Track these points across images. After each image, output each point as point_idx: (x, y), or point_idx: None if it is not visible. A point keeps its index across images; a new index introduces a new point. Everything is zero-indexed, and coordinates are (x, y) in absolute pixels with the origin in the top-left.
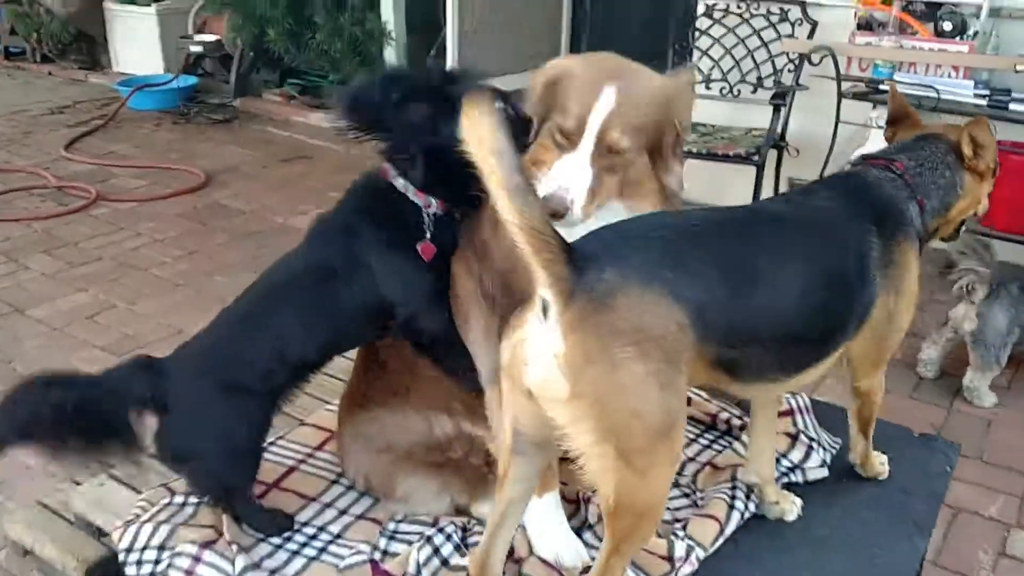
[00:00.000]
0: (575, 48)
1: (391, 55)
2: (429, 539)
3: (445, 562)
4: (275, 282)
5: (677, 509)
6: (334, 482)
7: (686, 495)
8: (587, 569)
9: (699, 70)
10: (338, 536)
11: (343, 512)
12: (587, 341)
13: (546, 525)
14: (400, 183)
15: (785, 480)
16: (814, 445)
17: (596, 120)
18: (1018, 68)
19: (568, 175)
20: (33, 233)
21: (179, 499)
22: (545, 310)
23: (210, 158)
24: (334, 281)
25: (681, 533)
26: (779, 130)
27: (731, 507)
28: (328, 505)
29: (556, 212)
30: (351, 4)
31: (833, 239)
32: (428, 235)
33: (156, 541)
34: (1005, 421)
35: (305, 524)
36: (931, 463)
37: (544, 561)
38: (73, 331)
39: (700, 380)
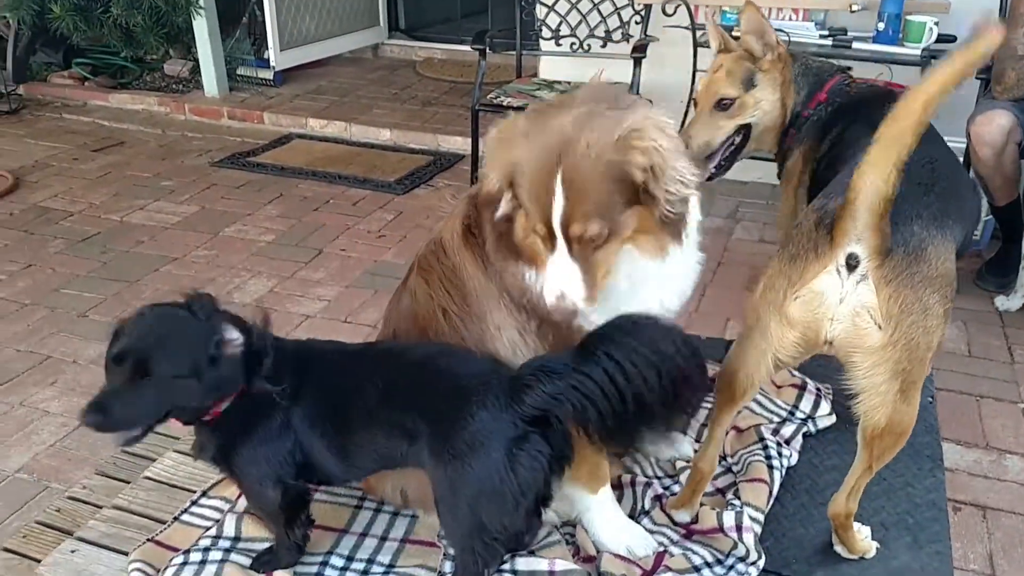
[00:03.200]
0: (392, 6)
1: (201, 26)
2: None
3: (514, 572)
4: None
5: (715, 478)
6: (357, 507)
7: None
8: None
9: (547, 26)
10: (392, 566)
11: (384, 539)
12: (903, 292)
13: (609, 521)
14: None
15: (804, 430)
16: (821, 392)
17: (557, 222)
18: (853, 8)
19: (558, 282)
20: None
21: (195, 556)
22: (852, 266)
23: (9, 156)
24: None
25: (737, 502)
26: (637, 84)
27: (771, 467)
28: (364, 534)
29: (567, 319)
30: None
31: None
32: None
33: None
34: None
35: (350, 559)
36: None
37: (617, 555)
38: None
39: None
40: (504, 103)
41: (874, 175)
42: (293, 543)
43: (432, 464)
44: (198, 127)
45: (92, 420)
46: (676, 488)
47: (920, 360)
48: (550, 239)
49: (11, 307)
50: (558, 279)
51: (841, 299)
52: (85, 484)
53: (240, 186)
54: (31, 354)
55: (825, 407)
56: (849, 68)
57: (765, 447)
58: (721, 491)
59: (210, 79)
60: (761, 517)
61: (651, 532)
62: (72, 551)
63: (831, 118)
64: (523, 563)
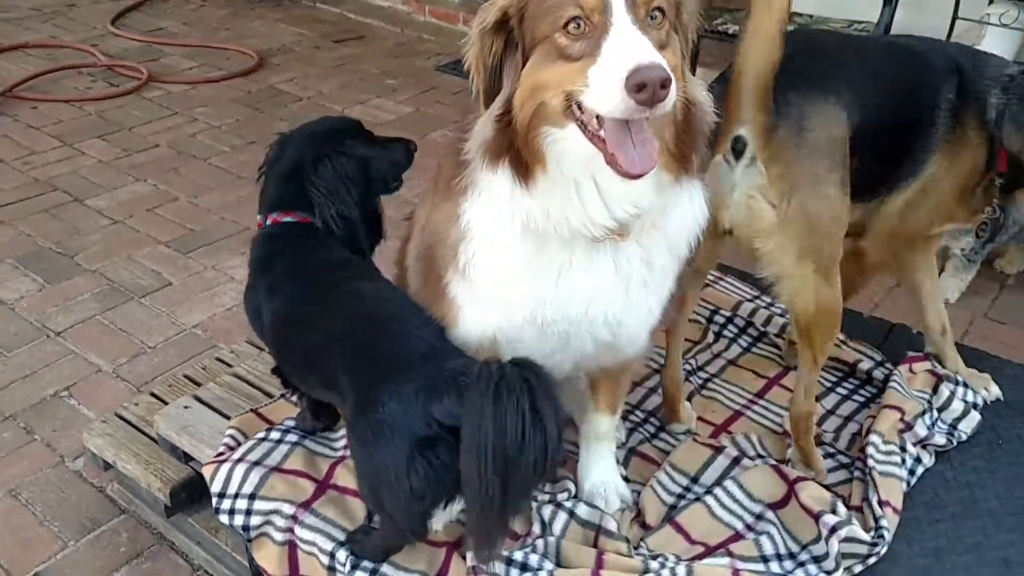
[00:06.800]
0: None
1: None
2: (550, 497)
3: (572, 513)
4: None
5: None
6: None
7: (831, 455)
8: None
9: None
10: None
11: None
12: (791, 167)
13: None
14: None
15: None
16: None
17: None
18: None
19: (634, 48)
20: (86, 116)
21: (275, 435)
22: (738, 151)
23: (261, 37)
24: None
25: (844, 512)
26: (887, 25)
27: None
28: None
29: (663, 85)
30: None
31: None
32: None
33: (248, 488)
34: None
35: None
36: None
37: (672, 528)
38: (135, 224)
39: None
40: (729, 31)
41: (760, 42)
42: (305, 413)
43: (349, 431)
44: (434, 29)
45: None
46: (758, 462)
47: (827, 234)
48: (601, 20)
49: (227, 177)
50: (631, 46)
51: (733, 186)
52: (233, 349)
53: (456, 92)
54: (233, 223)
55: (974, 416)
56: None
57: (903, 461)
58: (827, 487)
59: None
60: (882, 550)
61: (730, 509)
62: (185, 407)
63: None
64: (584, 510)
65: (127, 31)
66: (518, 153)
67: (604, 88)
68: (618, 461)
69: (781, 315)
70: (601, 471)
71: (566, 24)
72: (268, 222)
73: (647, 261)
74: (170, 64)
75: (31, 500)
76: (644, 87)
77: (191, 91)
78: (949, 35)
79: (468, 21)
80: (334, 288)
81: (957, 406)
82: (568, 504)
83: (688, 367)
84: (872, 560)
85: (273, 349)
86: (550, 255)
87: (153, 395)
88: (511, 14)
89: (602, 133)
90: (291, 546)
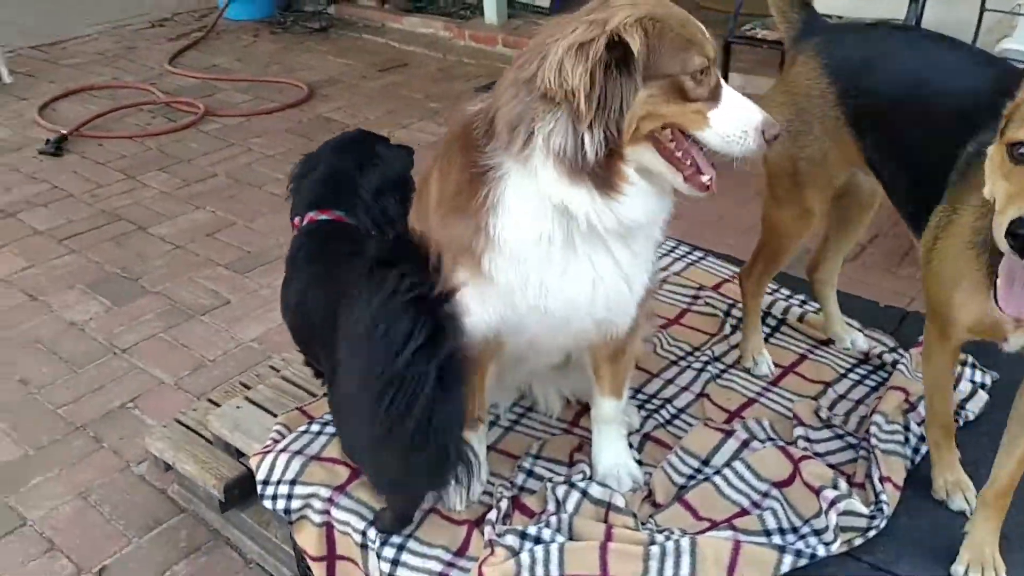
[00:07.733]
0: None
1: None
2: (565, 478)
3: (585, 493)
4: None
5: (831, 453)
6: None
7: (839, 436)
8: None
9: None
10: None
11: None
12: None
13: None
14: None
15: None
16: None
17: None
18: None
19: (750, 103)
20: (147, 151)
21: (315, 427)
22: None
23: (310, 70)
24: None
25: (845, 487)
26: (916, 20)
27: (910, 463)
28: None
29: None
30: None
31: None
32: None
33: (289, 475)
34: None
35: None
36: None
37: (681, 505)
38: (196, 249)
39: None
40: (759, 36)
41: None
42: None
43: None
44: (474, 53)
45: None
46: (767, 444)
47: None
48: (710, 75)
49: (281, 203)
50: (747, 101)
51: None
52: (284, 357)
53: None
54: (287, 245)
55: (981, 396)
56: None
57: (907, 439)
58: (834, 467)
59: (491, 5)
60: (881, 524)
61: (737, 487)
62: (237, 407)
63: None
64: (596, 490)
65: (183, 69)
66: (604, 170)
67: (738, 131)
68: (631, 446)
69: (799, 306)
70: (613, 454)
71: (696, 70)
72: (305, 221)
73: (649, 235)
74: (225, 98)
75: (99, 502)
76: (776, 137)
77: (245, 123)
78: (978, 28)
79: (506, 43)
80: (327, 276)
81: (965, 387)
82: (581, 484)
83: (705, 357)
84: (872, 533)
85: (292, 333)
86: (581, 249)
87: (210, 401)
88: (644, 43)
89: (679, 154)
90: (328, 527)
